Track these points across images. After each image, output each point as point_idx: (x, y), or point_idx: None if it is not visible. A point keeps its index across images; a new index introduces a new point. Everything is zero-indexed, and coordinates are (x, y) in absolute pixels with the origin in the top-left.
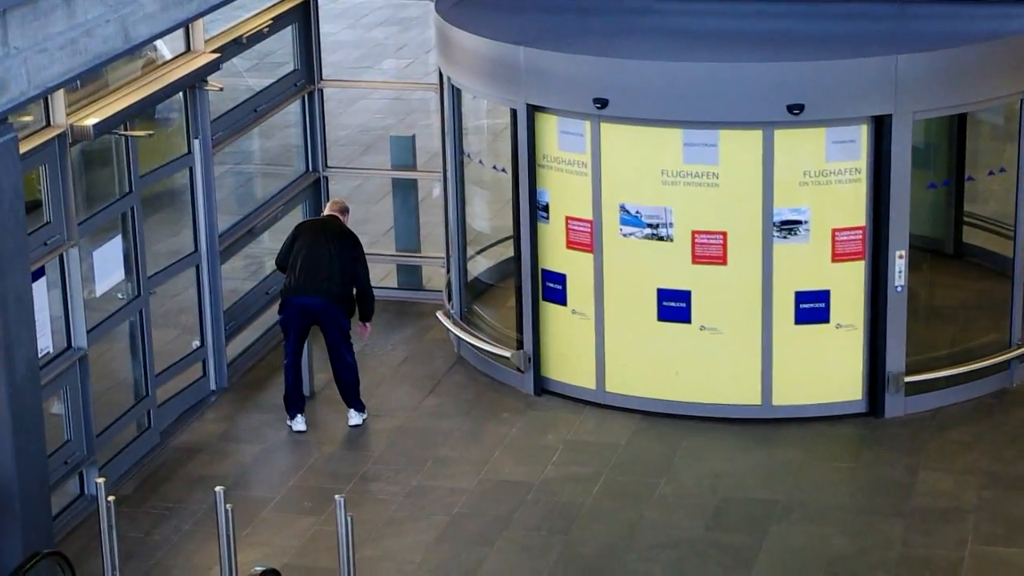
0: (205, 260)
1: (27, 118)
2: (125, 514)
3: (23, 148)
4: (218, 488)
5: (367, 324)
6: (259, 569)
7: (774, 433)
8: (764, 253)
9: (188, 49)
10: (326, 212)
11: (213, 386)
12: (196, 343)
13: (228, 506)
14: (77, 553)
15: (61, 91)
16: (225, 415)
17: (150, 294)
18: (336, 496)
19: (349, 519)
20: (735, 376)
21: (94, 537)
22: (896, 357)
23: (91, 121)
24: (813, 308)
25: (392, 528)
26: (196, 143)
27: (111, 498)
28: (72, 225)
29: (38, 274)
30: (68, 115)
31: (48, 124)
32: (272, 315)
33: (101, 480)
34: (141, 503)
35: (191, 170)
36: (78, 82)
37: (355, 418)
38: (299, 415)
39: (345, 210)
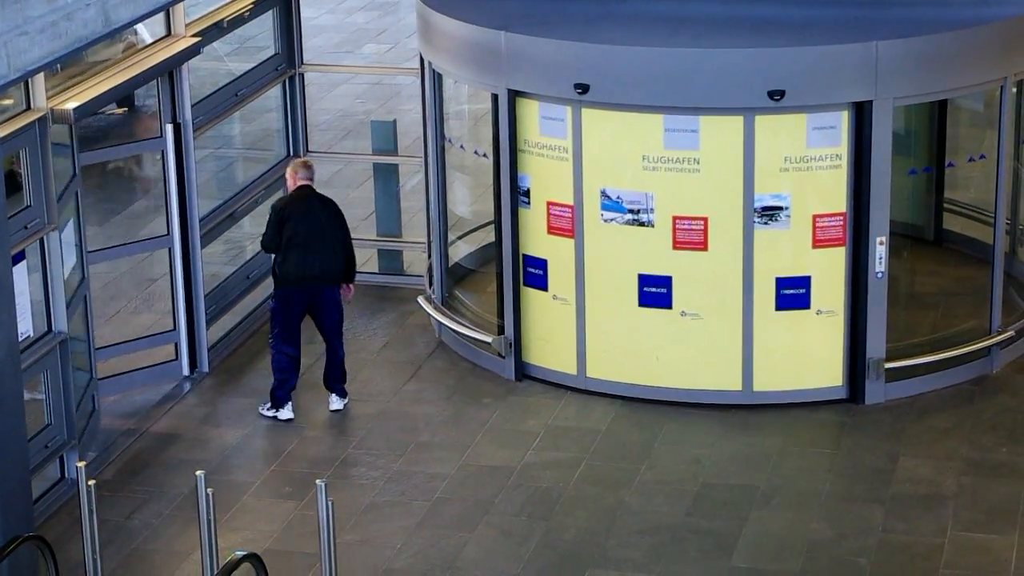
0: (177, 244)
1: (7, 101)
2: (106, 498)
3: (2, 132)
4: (199, 472)
5: (351, 286)
6: (240, 554)
7: (754, 419)
8: (745, 239)
9: (169, 33)
10: (300, 181)
11: (186, 371)
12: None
13: (209, 491)
14: (57, 537)
15: (41, 74)
16: (206, 400)
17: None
18: (317, 481)
19: (330, 504)
20: (716, 362)
21: (75, 521)
22: (876, 343)
23: (71, 105)
24: (794, 294)
25: (373, 513)
26: (168, 128)
27: (92, 482)
28: (52, 209)
29: (18, 258)
30: (48, 98)
31: (28, 108)
32: (252, 300)
33: (82, 464)
34: (122, 487)
35: (163, 154)
36: (58, 65)
37: (337, 403)
38: (289, 403)
39: (313, 172)
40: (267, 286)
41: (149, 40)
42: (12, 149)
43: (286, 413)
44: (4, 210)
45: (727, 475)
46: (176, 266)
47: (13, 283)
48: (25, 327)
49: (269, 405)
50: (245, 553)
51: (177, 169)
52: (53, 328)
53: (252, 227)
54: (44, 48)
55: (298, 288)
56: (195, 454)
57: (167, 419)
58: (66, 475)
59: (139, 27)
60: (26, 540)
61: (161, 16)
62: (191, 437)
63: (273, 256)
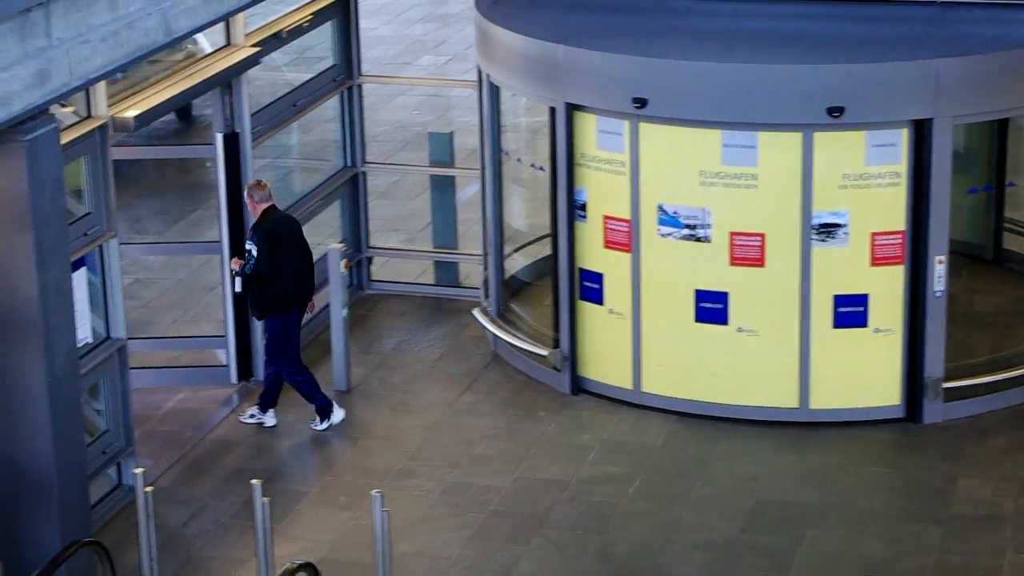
0: (227, 250)
1: (68, 109)
2: (163, 505)
3: (64, 139)
4: (254, 481)
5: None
6: (296, 563)
7: (811, 436)
8: (802, 256)
9: (228, 43)
10: (262, 203)
11: (234, 378)
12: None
13: (265, 499)
14: (115, 543)
15: (102, 83)
16: None
17: None
18: (372, 491)
19: (385, 514)
20: (772, 378)
21: (132, 527)
22: (935, 362)
23: (132, 113)
24: (851, 312)
25: (427, 524)
26: (219, 136)
27: (149, 489)
28: (112, 216)
29: (78, 264)
30: (109, 107)
31: (89, 115)
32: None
33: (139, 471)
34: (179, 494)
35: (214, 162)
36: (119, 74)
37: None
38: (334, 405)
39: (269, 190)
40: (325, 294)
41: (209, 49)
42: (73, 157)
43: (339, 415)
44: (64, 217)
45: (783, 492)
46: (226, 273)
47: (72, 290)
48: (84, 333)
49: (318, 420)
50: (301, 562)
51: (230, 177)
52: (111, 335)
53: (310, 237)
54: (106, 56)
55: (297, 305)
56: (251, 462)
57: (223, 427)
58: (123, 481)
59: (199, 36)
60: (84, 545)
61: (221, 26)
62: (247, 445)
63: (248, 285)
